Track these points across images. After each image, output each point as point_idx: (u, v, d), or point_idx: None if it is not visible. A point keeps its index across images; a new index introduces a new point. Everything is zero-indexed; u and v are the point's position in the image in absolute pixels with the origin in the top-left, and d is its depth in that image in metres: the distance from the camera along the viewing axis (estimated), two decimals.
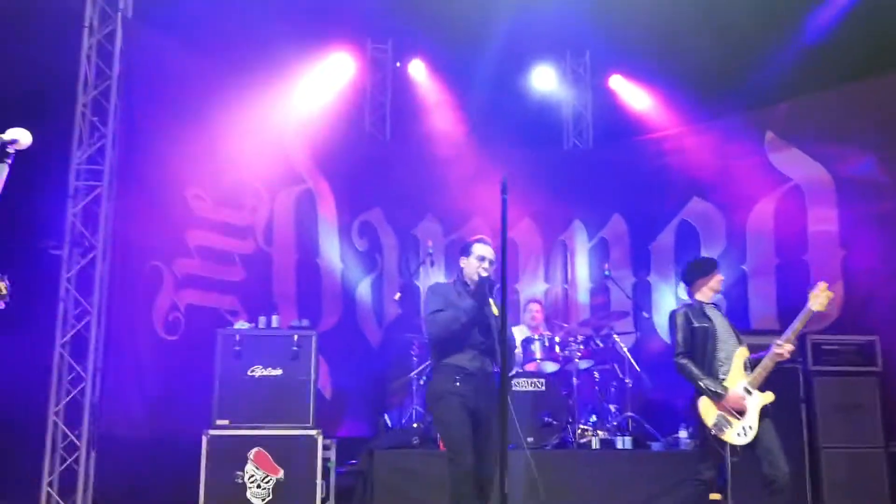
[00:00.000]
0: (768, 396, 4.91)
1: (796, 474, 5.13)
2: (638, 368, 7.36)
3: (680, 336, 5.08)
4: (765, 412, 4.90)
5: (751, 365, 5.01)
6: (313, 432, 6.19)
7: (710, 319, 5.09)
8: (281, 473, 6.09)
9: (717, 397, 4.90)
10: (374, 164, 8.79)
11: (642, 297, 8.56)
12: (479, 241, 4.82)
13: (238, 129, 7.21)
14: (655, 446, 6.93)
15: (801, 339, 6.78)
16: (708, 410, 4.93)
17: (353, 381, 8.13)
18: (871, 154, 7.64)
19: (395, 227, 8.91)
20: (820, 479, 6.57)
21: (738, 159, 8.36)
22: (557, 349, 7.24)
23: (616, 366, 7.38)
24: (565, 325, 7.82)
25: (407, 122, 9.27)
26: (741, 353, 5.02)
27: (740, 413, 4.88)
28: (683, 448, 6.75)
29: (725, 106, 8.37)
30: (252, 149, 7.39)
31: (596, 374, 7.35)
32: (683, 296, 8.48)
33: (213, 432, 6.05)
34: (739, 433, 4.87)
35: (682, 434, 6.86)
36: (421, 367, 7.23)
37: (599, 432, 6.94)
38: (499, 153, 8.71)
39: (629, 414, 7.21)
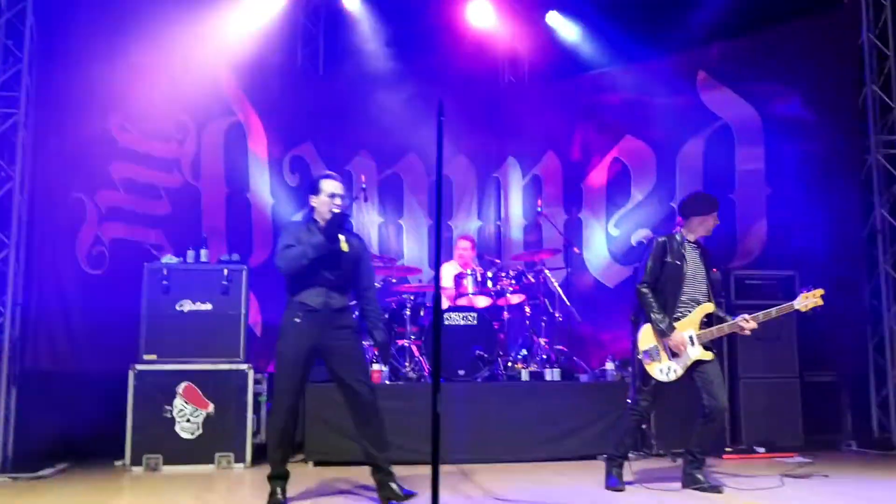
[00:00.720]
0: (707, 355, 5.00)
1: None
2: (568, 303, 7.49)
3: (650, 264, 5.14)
4: (702, 363, 4.98)
5: (710, 321, 5.07)
6: (244, 366, 6.17)
7: (685, 259, 5.12)
8: (211, 408, 6.07)
9: (661, 333, 5.01)
10: (306, 98, 8.58)
11: (574, 234, 8.66)
12: (327, 177, 4.73)
13: (164, 58, 6.95)
14: (583, 378, 7.11)
15: (724, 274, 7.03)
16: (646, 338, 5.07)
17: None
18: (798, 94, 7.85)
19: (328, 162, 8.75)
20: (738, 407, 6.86)
21: (669, 98, 8.47)
22: (490, 284, 7.31)
23: (547, 301, 7.49)
24: (497, 262, 7.87)
25: (340, 56, 9.04)
26: (705, 307, 5.08)
27: (675, 355, 5.00)
28: (610, 380, 6.94)
29: (659, 45, 8.40)
30: (179, 78, 7.14)
31: (527, 309, 7.44)
32: (614, 232, 8.69)
33: (140, 367, 5.98)
34: (663, 370, 5.01)
35: (609, 366, 7.04)
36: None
37: (530, 365, 7.07)
38: (433, 89, 8.58)
39: (559, 347, 7.36)
